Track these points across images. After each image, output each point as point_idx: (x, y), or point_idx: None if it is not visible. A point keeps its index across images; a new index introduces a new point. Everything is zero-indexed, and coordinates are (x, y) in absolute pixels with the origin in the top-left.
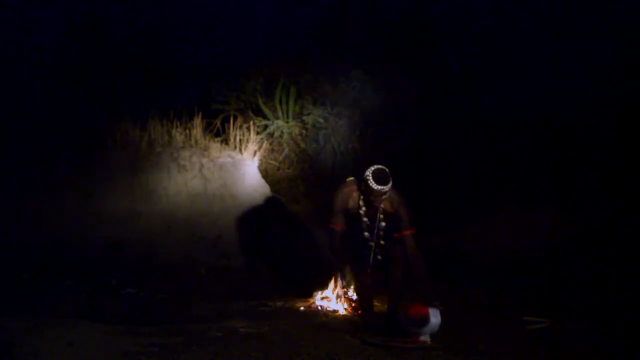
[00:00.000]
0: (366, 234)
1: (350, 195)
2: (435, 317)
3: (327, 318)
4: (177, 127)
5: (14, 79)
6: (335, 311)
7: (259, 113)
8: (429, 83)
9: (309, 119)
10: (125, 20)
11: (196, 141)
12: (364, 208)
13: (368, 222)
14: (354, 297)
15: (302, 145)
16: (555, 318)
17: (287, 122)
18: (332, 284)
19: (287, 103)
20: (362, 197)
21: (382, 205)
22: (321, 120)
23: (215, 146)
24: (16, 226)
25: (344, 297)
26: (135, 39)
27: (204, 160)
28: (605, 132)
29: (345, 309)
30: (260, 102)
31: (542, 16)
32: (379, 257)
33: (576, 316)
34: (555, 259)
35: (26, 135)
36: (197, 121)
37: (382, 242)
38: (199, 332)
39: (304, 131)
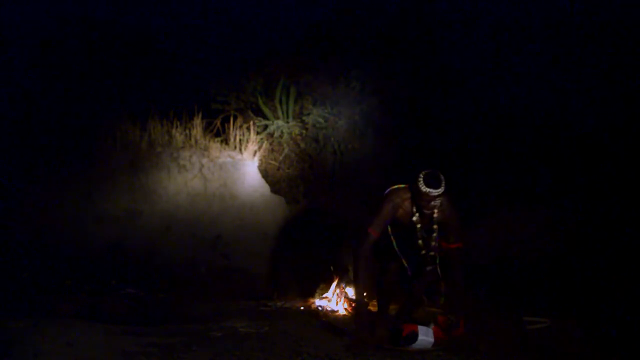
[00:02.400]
0: (420, 242)
1: (401, 204)
2: (425, 336)
3: (327, 318)
4: (177, 127)
5: (14, 79)
6: (335, 311)
7: (259, 113)
8: (429, 82)
9: (309, 119)
10: (126, 20)
11: (196, 141)
12: (417, 215)
13: (423, 232)
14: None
15: (302, 145)
16: (555, 318)
17: (287, 122)
18: (332, 284)
19: (287, 103)
20: (414, 204)
21: (435, 215)
22: (321, 120)
23: (215, 146)
24: (16, 226)
25: (344, 297)
26: (136, 38)
27: (204, 160)
28: (605, 132)
29: (345, 309)
30: (260, 102)
31: (542, 15)
32: (428, 268)
33: (576, 316)
34: (555, 259)
35: (26, 135)
36: (197, 121)
37: (432, 252)
38: (199, 332)
39: (304, 131)
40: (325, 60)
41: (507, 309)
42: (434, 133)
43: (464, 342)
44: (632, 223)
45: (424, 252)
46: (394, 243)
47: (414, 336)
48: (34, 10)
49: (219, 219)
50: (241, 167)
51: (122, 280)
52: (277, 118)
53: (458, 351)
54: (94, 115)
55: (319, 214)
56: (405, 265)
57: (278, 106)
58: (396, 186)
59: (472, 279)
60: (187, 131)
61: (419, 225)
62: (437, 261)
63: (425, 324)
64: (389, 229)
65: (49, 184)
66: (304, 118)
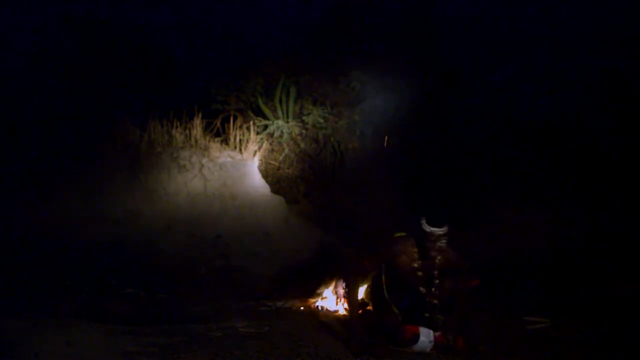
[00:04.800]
0: (421, 289)
1: (405, 250)
2: (426, 337)
3: (327, 318)
4: (177, 127)
5: (14, 79)
6: (335, 311)
7: (259, 113)
8: (429, 83)
9: (309, 119)
10: (126, 20)
11: (196, 141)
12: (418, 261)
13: (422, 277)
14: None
15: (302, 145)
16: (555, 318)
17: (287, 122)
18: (332, 284)
19: (287, 103)
20: (417, 250)
21: (437, 261)
22: (321, 120)
23: (215, 146)
24: (16, 226)
25: (344, 297)
26: (135, 38)
27: (204, 160)
28: (605, 133)
29: (345, 309)
30: (260, 102)
31: (543, 16)
32: (427, 315)
33: (576, 316)
34: (555, 259)
35: (26, 136)
36: (197, 121)
37: (435, 301)
38: (199, 332)
39: (304, 131)
40: (325, 60)
41: (507, 309)
42: (435, 133)
43: (464, 342)
44: (632, 223)
45: (427, 299)
46: (385, 291)
47: (415, 337)
48: (34, 10)
49: (219, 219)
50: (241, 167)
51: (122, 280)
52: (277, 118)
53: (458, 352)
54: (94, 115)
55: (319, 213)
56: (396, 311)
57: (278, 106)
58: (398, 234)
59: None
60: (187, 131)
61: (420, 273)
62: (438, 309)
63: (428, 326)
64: (383, 278)
65: (49, 184)
66: (304, 118)
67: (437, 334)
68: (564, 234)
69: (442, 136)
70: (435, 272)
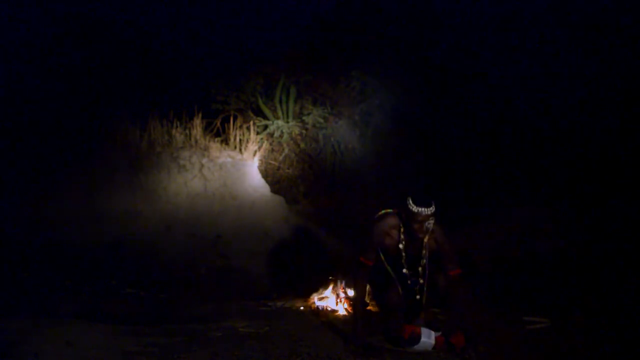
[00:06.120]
0: (405, 270)
1: (389, 232)
2: (427, 338)
3: (327, 318)
4: (177, 127)
5: (14, 80)
6: (335, 311)
7: (259, 113)
8: (429, 82)
9: (309, 119)
10: (126, 20)
11: (196, 141)
12: (404, 242)
13: (407, 258)
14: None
15: (302, 145)
16: (555, 318)
17: (287, 122)
18: (331, 284)
19: (287, 103)
20: (403, 230)
21: (425, 240)
22: (321, 120)
23: (215, 146)
24: (16, 226)
25: (344, 297)
26: (135, 39)
27: (204, 160)
28: (606, 132)
29: (345, 309)
30: (260, 102)
31: (543, 14)
32: (417, 297)
33: (576, 316)
34: (555, 259)
35: (26, 136)
36: (197, 121)
37: (421, 280)
38: (199, 332)
39: (304, 131)
40: (325, 60)
41: (507, 309)
42: (434, 132)
43: (464, 342)
44: (632, 222)
45: (409, 281)
46: (390, 270)
47: (417, 338)
48: (34, 10)
49: (219, 219)
50: (241, 167)
51: (122, 280)
52: (277, 118)
53: (458, 352)
54: (94, 115)
55: (319, 213)
56: (401, 292)
57: (278, 106)
58: (384, 211)
59: (472, 279)
60: (187, 131)
61: (404, 254)
62: (425, 288)
63: (427, 326)
64: (382, 256)
65: (49, 184)
66: (304, 118)
67: (438, 334)
68: (564, 234)
69: (443, 135)
70: (423, 252)
